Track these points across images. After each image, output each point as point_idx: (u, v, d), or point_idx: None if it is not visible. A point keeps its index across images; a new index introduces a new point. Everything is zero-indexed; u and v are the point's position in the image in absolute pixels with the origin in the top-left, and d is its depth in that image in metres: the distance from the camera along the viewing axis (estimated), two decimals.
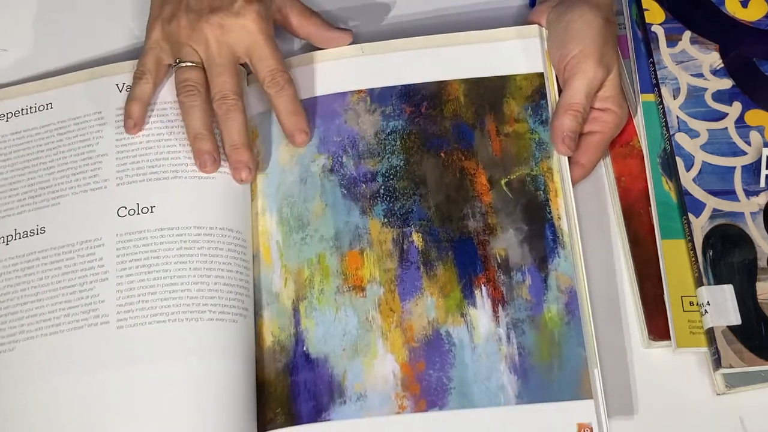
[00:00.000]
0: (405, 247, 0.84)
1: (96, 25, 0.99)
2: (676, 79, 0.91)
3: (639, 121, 0.91)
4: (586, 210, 0.89)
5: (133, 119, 0.89)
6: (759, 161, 0.87)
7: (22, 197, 0.88)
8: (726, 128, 0.89)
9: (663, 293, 0.84)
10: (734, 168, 0.87)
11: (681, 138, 0.88)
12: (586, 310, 0.82)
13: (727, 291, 0.83)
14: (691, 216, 0.85)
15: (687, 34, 0.93)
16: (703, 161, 0.87)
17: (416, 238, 0.85)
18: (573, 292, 0.82)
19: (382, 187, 0.87)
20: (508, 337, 0.81)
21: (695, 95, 0.90)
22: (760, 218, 0.85)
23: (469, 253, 0.84)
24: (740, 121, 0.89)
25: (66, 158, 0.89)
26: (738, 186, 0.86)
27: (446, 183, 0.86)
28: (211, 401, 0.80)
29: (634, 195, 0.89)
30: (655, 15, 0.93)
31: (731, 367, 0.80)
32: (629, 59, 0.93)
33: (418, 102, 0.89)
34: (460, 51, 0.91)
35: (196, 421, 0.79)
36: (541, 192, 0.85)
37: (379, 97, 0.90)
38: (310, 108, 0.90)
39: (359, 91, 0.90)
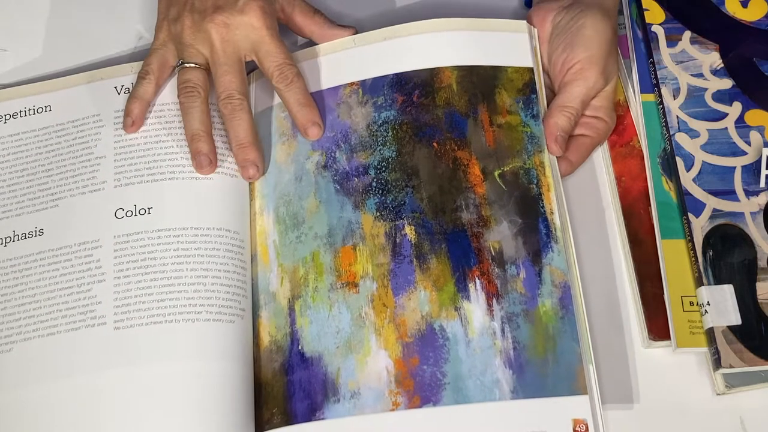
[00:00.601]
0: (398, 240, 0.83)
1: (98, 26, 0.99)
2: (676, 79, 0.90)
3: (639, 121, 0.91)
4: (586, 210, 0.89)
5: (132, 117, 0.89)
6: (759, 161, 0.87)
7: (20, 199, 0.88)
8: (726, 128, 0.88)
9: (663, 293, 0.84)
10: (734, 168, 0.87)
11: (681, 138, 0.88)
12: (580, 305, 0.81)
13: (727, 291, 0.82)
14: (691, 216, 0.85)
15: (687, 34, 0.92)
16: (703, 161, 0.87)
17: (409, 231, 0.84)
18: (567, 287, 0.81)
19: (375, 180, 0.86)
20: (503, 332, 0.80)
21: (695, 95, 0.90)
22: (760, 218, 0.85)
23: (462, 245, 0.83)
24: (740, 121, 0.89)
25: (64, 160, 0.89)
26: (738, 186, 0.86)
27: (439, 174, 0.85)
28: (209, 402, 0.80)
29: (634, 195, 0.89)
30: (655, 15, 0.93)
31: (731, 367, 0.80)
32: (629, 59, 0.93)
33: (410, 90, 0.88)
34: (453, 36, 0.89)
35: (194, 423, 0.79)
36: (534, 186, 0.84)
37: (371, 87, 0.89)
38: None
39: (352, 84, 0.90)
